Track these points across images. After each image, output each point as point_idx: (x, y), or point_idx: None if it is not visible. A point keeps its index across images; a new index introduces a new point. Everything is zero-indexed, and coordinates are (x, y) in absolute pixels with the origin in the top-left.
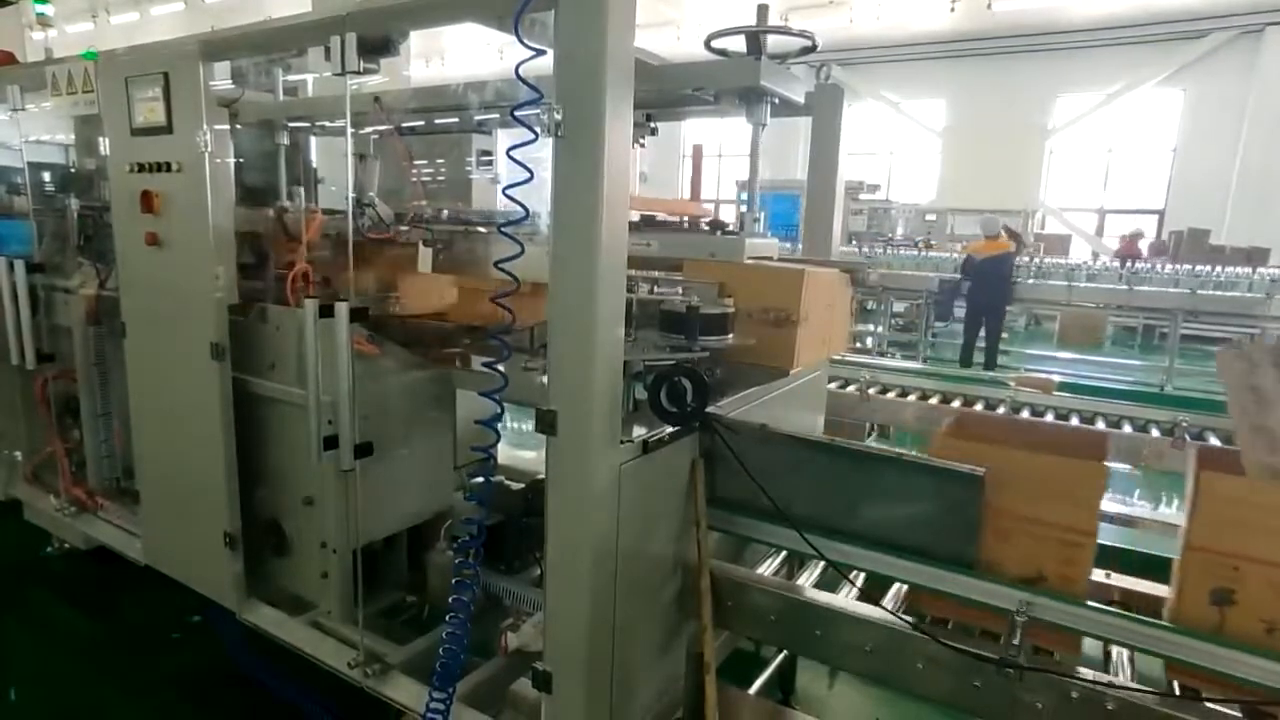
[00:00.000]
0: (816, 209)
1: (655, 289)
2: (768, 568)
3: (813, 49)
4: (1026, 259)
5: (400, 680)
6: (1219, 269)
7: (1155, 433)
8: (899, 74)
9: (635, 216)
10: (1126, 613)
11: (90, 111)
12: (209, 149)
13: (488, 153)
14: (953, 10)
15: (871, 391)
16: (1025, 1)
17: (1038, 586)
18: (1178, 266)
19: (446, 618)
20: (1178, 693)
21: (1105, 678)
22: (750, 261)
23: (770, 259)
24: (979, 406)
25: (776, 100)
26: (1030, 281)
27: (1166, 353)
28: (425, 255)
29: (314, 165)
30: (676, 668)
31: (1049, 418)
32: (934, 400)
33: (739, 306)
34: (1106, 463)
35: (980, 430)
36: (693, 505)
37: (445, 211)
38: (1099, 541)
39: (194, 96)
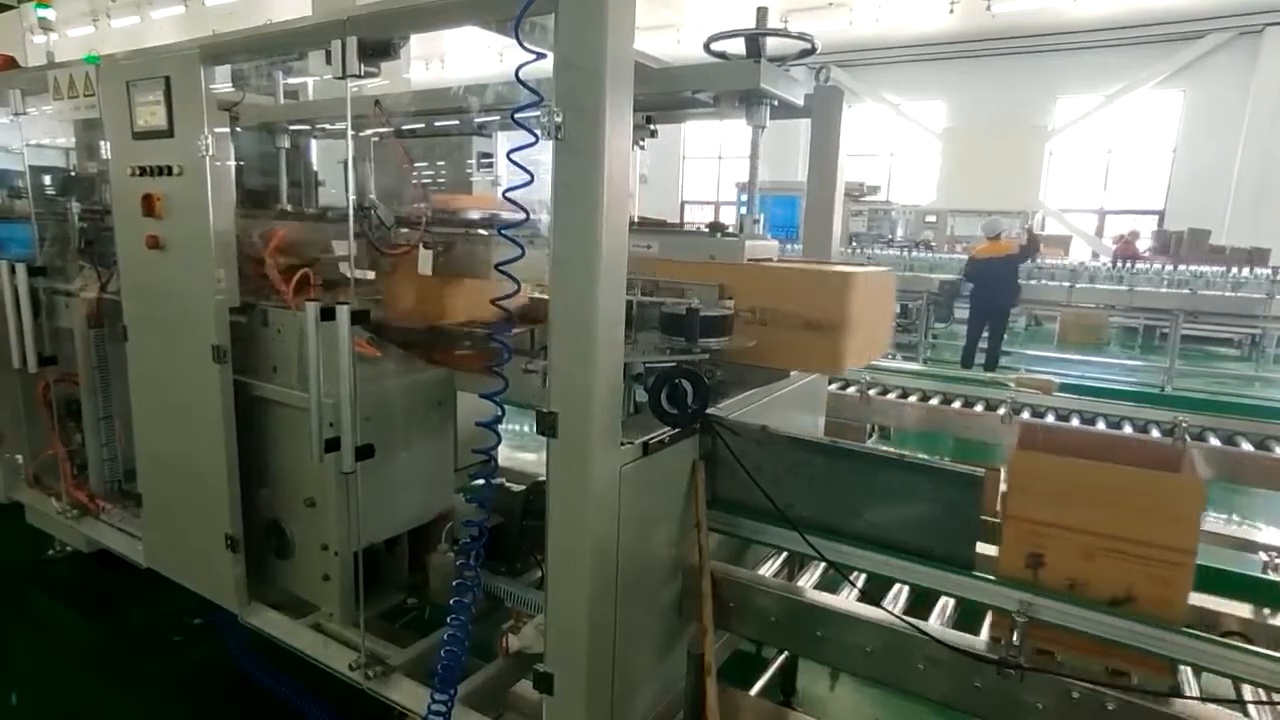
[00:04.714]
0: (816, 211)
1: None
2: (769, 569)
3: (812, 51)
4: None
5: (402, 682)
6: (1214, 269)
7: (1156, 433)
8: (899, 75)
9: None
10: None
11: (91, 115)
12: (210, 152)
13: (488, 155)
14: (952, 12)
15: (872, 393)
16: (1025, 3)
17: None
18: (1181, 267)
19: (448, 620)
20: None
21: (1105, 678)
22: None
23: (769, 261)
24: (979, 408)
25: (776, 102)
26: (1030, 282)
27: (1167, 353)
28: (425, 257)
29: (315, 168)
30: (677, 669)
31: (1049, 419)
32: (934, 401)
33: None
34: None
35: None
36: (693, 507)
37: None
38: None
39: (195, 100)
